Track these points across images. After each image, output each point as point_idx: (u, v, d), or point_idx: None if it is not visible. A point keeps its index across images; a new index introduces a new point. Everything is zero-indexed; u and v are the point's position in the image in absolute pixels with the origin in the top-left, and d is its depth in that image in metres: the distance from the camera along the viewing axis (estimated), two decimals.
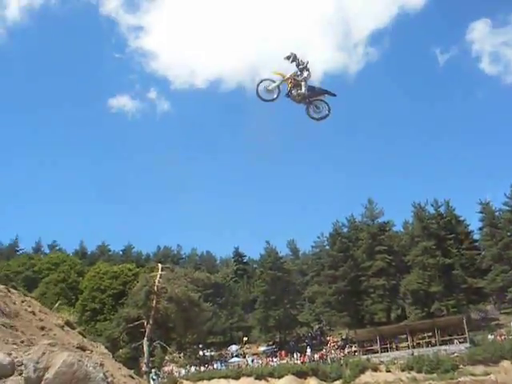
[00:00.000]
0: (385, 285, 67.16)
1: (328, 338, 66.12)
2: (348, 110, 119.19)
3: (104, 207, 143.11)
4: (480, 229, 72.83)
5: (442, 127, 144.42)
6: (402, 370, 48.80)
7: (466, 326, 53.18)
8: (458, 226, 72.85)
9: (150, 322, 45.74)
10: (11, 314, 10.51)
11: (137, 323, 46.32)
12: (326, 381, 47.37)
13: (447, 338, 54.42)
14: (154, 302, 46.26)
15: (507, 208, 69.52)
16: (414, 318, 64.24)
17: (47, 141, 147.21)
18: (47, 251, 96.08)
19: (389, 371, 48.82)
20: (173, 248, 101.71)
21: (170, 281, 48.36)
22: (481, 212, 70.59)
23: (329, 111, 13.30)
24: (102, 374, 9.06)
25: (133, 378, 11.89)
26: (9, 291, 11.85)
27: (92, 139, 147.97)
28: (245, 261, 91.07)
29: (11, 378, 8.73)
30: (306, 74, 13.27)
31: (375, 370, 49.18)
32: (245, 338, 70.53)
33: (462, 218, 74.13)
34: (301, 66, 13.21)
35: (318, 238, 78.98)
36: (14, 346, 9.38)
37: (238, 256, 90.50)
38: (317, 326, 73.82)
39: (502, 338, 53.02)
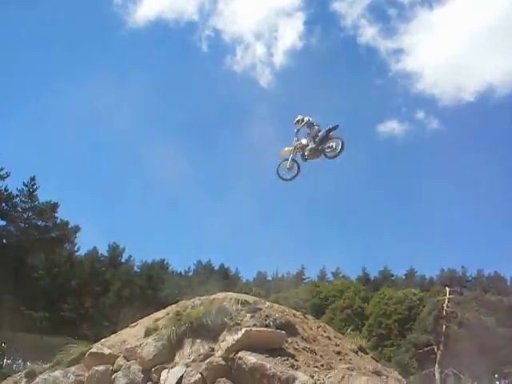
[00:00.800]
0: None
1: None
2: None
3: (384, 233, 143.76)
4: None
5: None
6: None
7: None
8: None
9: (441, 348, 44.41)
10: (309, 338, 11.22)
11: (426, 349, 45.36)
12: None
13: None
14: (444, 326, 44.89)
15: None
16: None
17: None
18: (331, 278, 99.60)
19: None
20: (457, 270, 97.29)
21: (459, 305, 46.58)
22: None
23: (342, 144, 13.80)
24: None
25: None
26: (305, 317, 12.68)
27: (365, 165, 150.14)
28: None
29: None
30: (316, 127, 14.26)
31: None
32: None
33: None
34: (309, 124, 14.41)
35: None
36: (315, 369, 9.98)
37: None
38: None
39: None
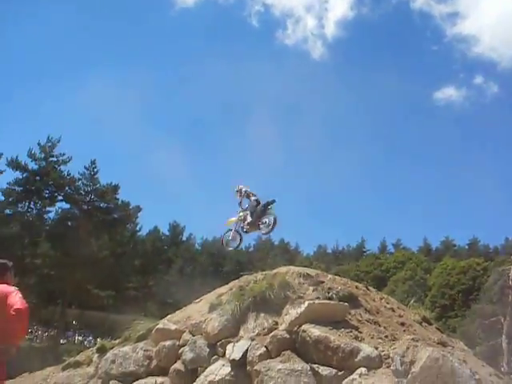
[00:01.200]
0: None
1: None
2: None
3: (445, 202, 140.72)
4: None
5: None
6: None
7: None
8: None
9: (507, 318, 43.56)
10: (373, 310, 11.20)
11: (493, 319, 44.57)
12: None
13: None
14: (510, 297, 44.01)
15: None
16: None
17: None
18: (392, 250, 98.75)
19: None
20: None
21: None
22: None
23: (275, 221, 13.78)
24: (468, 371, 9.01)
25: (499, 377, 11.49)
26: (367, 289, 12.65)
27: (422, 134, 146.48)
28: None
29: (380, 370, 9.32)
30: (253, 198, 14.36)
31: None
32: None
33: None
34: (247, 195, 14.50)
35: None
36: (379, 341, 9.97)
37: None
38: None
39: None
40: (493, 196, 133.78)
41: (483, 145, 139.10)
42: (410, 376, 8.97)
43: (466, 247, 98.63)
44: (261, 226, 14.28)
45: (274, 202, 14.26)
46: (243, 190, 14.77)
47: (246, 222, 14.55)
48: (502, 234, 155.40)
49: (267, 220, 14.13)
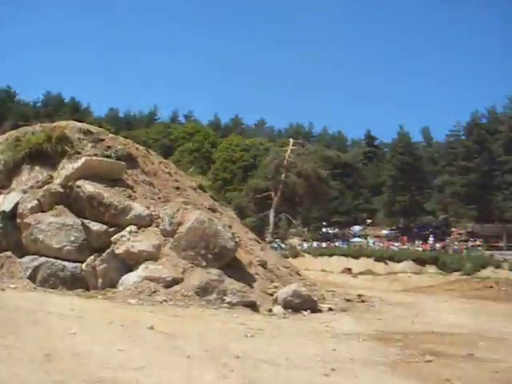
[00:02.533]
0: None
1: (452, 230, 65.06)
2: None
3: (237, 80, 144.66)
4: None
5: None
6: None
7: None
8: None
9: (278, 194, 47.35)
10: (150, 172, 11.44)
11: (265, 194, 48.17)
12: (444, 271, 47.21)
13: None
14: (283, 175, 47.51)
15: None
16: None
17: None
18: (183, 121, 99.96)
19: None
20: (305, 125, 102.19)
21: (300, 156, 49.22)
22: None
23: None
24: (230, 234, 9.84)
25: (258, 242, 12.71)
26: (148, 152, 12.80)
27: None
28: (375, 143, 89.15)
29: (149, 228, 9.76)
30: None
31: (498, 267, 48.09)
32: (368, 220, 71.13)
33: None
34: None
35: (454, 126, 75.64)
36: (152, 201, 10.33)
37: (370, 138, 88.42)
38: (442, 216, 72.63)
39: None
40: (283, 82, 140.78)
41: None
42: (176, 235, 9.55)
43: (253, 127, 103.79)
44: None
45: None
46: None
47: None
48: (287, 118, 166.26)
49: None
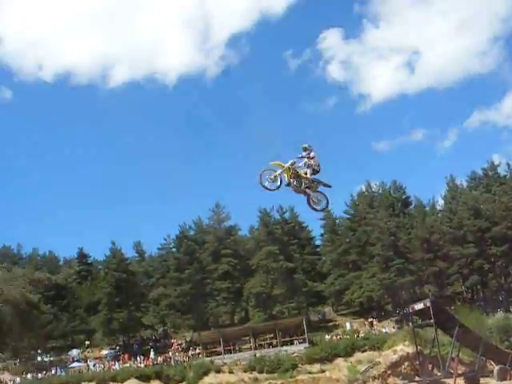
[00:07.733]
0: (229, 288, 68.66)
1: (172, 341, 65.91)
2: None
3: None
4: (321, 235, 77.77)
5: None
6: (245, 371, 49.72)
7: (305, 327, 55.60)
8: (301, 232, 76.75)
9: None
10: None
11: None
12: (169, 383, 47.21)
13: (288, 338, 56.53)
14: None
15: (346, 216, 74.72)
16: (257, 320, 66.21)
17: None
18: None
19: (232, 372, 49.55)
20: (12, 247, 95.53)
21: (6, 281, 45.98)
22: (322, 219, 74.28)
23: (327, 204, 13.84)
24: None
25: None
26: None
27: None
28: (89, 261, 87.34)
29: None
30: (317, 163, 13.76)
31: (218, 371, 49.75)
32: (86, 342, 68.21)
33: (305, 225, 78.46)
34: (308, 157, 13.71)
35: (165, 240, 78.39)
36: None
37: (82, 257, 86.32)
38: (161, 329, 73.31)
39: (338, 337, 56.54)
40: None
41: None
42: None
43: None
44: (311, 199, 13.27)
45: (329, 186, 13.49)
46: (312, 154, 13.31)
47: (297, 181, 12.99)
48: None
49: (320, 199, 13.41)
